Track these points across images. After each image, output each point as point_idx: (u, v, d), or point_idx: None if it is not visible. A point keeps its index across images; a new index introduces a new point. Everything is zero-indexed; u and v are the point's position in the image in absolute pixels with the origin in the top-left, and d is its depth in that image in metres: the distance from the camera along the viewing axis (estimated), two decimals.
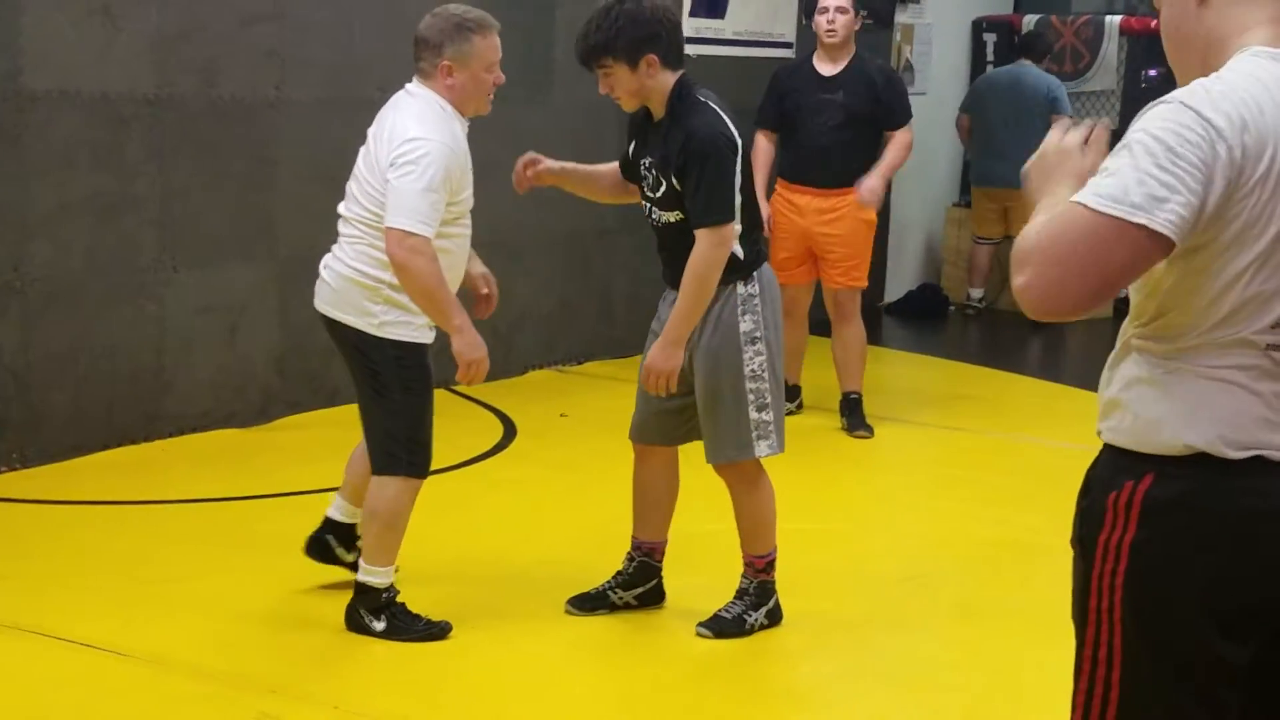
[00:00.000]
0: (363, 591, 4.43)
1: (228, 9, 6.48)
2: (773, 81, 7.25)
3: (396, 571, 4.50)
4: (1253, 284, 2.20)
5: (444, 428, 6.85)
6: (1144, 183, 2.12)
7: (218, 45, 6.45)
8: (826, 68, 7.08)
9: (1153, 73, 10.28)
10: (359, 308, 4.38)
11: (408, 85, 4.44)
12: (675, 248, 4.37)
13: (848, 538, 5.67)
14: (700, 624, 4.53)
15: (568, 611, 4.67)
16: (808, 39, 9.63)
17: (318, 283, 4.50)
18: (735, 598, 4.58)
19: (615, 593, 4.70)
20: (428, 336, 4.43)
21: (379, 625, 4.41)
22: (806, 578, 5.00)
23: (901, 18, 10.46)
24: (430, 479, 6.07)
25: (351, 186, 4.46)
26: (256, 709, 3.97)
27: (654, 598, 4.74)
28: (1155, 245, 2.14)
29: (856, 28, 7.17)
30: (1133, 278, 2.21)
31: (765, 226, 7.15)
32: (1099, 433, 2.36)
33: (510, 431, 6.86)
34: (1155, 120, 2.17)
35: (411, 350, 4.39)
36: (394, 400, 4.40)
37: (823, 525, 5.76)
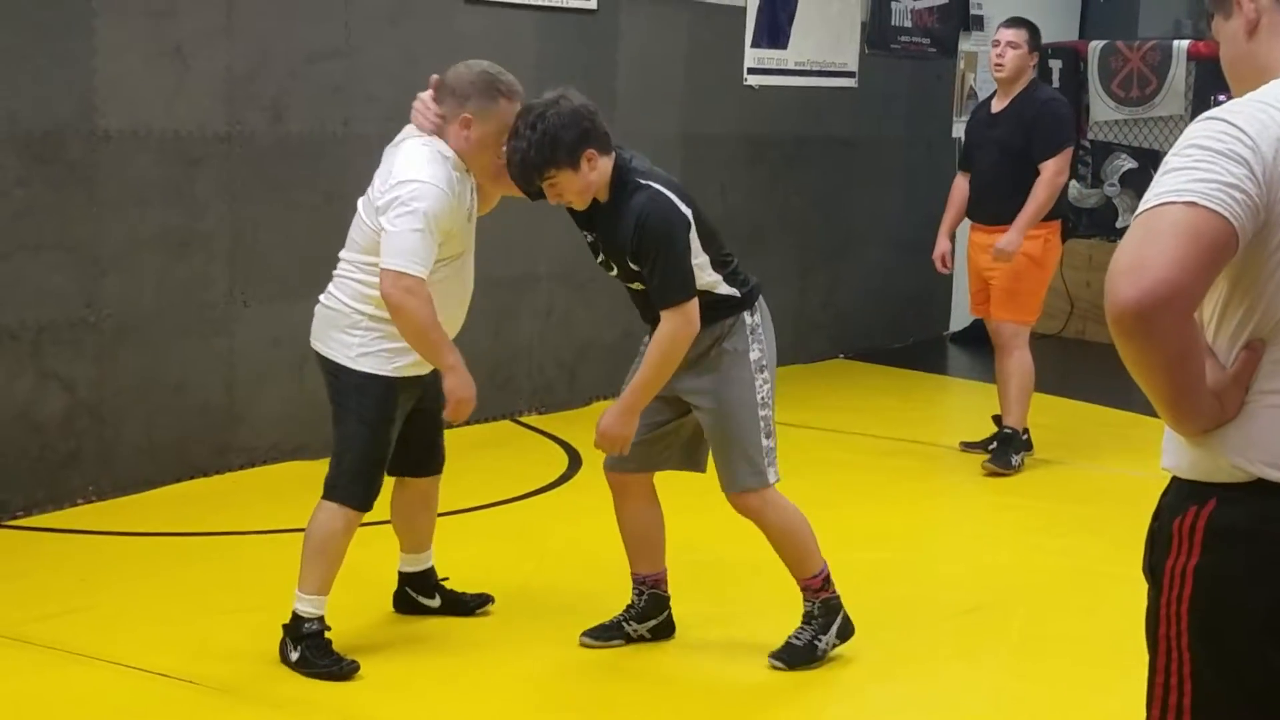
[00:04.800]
0: (292, 618, 4.43)
1: (295, 47, 6.58)
2: (966, 124, 7.35)
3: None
4: None
5: (510, 459, 6.96)
6: (1188, 181, 2.16)
7: (285, 82, 6.54)
8: (997, 104, 7.10)
9: (1221, 98, 10.10)
10: (339, 340, 4.43)
11: (407, 129, 4.47)
12: (644, 306, 4.40)
13: (913, 567, 5.65)
14: (772, 655, 4.50)
15: (583, 644, 4.68)
16: (870, 69, 9.67)
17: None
18: (802, 623, 4.56)
19: (630, 625, 4.73)
20: (401, 373, 4.43)
21: (294, 655, 4.40)
22: (871, 607, 4.99)
23: (965, 45, 10.46)
24: (497, 509, 6.18)
25: (351, 229, 4.51)
26: None
27: (666, 630, 4.76)
28: (1216, 223, 2.14)
29: (1032, 62, 7.04)
30: (1209, 261, 2.16)
31: (942, 262, 7.20)
32: (1163, 466, 2.37)
33: (575, 462, 6.89)
34: (1182, 140, 2.24)
35: (376, 382, 4.40)
36: (348, 427, 4.44)
37: (888, 554, 5.75)
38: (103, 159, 5.96)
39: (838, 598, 4.59)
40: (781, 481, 4.50)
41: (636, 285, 4.36)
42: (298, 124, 6.60)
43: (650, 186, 4.26)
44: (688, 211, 4.27)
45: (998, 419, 7.14)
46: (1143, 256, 2.12)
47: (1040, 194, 6.85)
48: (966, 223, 7.25)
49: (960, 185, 7.27)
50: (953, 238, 7.30)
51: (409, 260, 4.22)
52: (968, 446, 7.23)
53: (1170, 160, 2.21)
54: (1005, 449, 6.98)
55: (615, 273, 4.40)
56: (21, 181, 5.73)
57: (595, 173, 4.27)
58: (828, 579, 4.56)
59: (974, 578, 5.57)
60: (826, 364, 9.32)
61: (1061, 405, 8.47)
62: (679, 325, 4.24)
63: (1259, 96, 2.25)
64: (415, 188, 4.25)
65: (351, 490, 4.43)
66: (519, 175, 4.28)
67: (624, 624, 4.73)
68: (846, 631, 4.59)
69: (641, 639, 4.72)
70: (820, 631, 4.54)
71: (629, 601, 4.75)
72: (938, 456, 7.21)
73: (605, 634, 4.72)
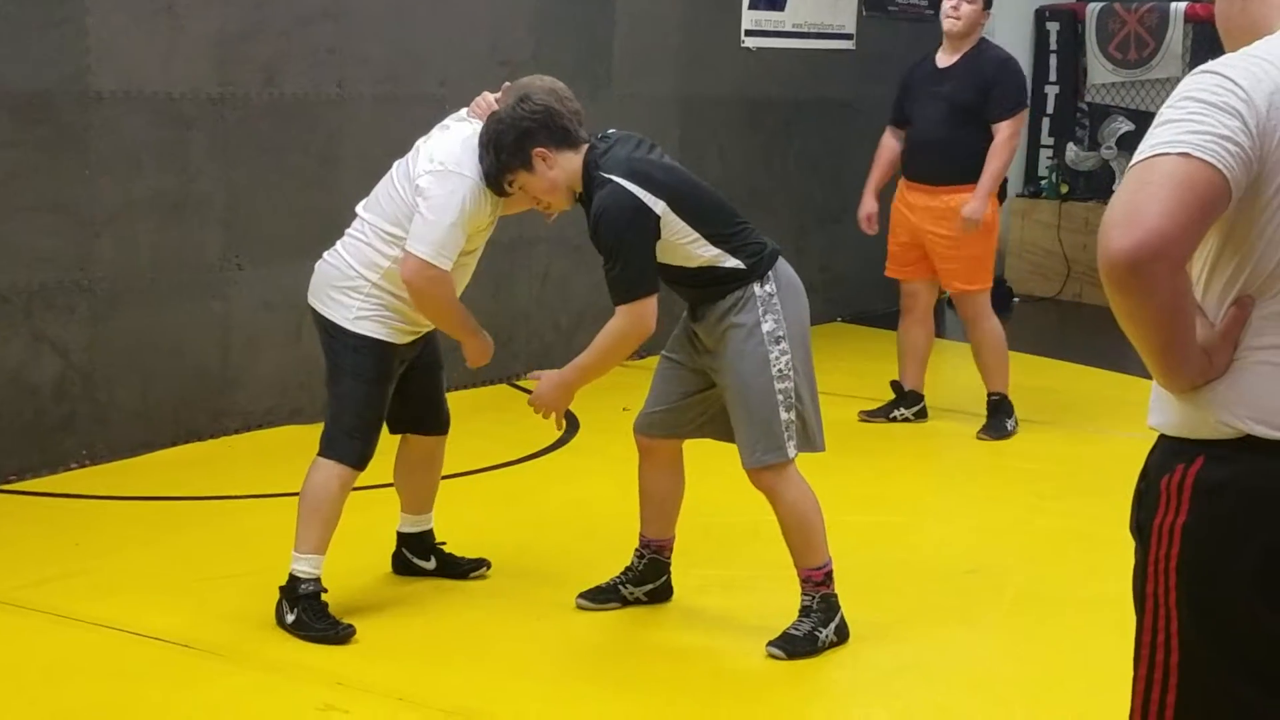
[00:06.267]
0: (289, 579, 4.44)
1: (288, 7, 6.54)
2: (901, 78, 7.15)
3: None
4: None
5: (507, 422, 6.94)
6: (1181, 133, 2.14)
7: (279, 44, 6.50)
8: (944, 59, 6.93)
9: None
10: (337, 300, 4.44)
11: (467, 111, 4.48)
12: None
13: (911, 530, 5.65)
14: (770, 643, 4.39)
15: (579, 606, 4.67)
16: (868, 31, 9.62)
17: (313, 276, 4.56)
18: (801, 616, 4.45)
19: (626, 588, 4.71)
20: (397, 338, 4.46)
21: (290, 617, 4.40)
22: (870, 570, 4.99)
23: None
24: (494, 473, 6.17)
25: (378, 189, 4.50)
26: (321, 700, 4.00)
27: (663, 594, 4.74)
28: (1209, 174, 2.12)
29: (984, 20, 6.95)
30: (1202, 212, 2.15)
31: (868, 223, 7.10)
32: (1150, 424, 2.36)
33: (573, 426, 6.87)
34: (1176, 93, 2.22)
35: (374, 344, 4.42)
36: (342, 385, 4.46)
37: (886, 518, 5.74)
38: (94, 121, 5.92)
39: (837, 597, 4.47)
40: None
41: None
42: (291, 86, 6.56)
43: (610, 181, 4.20)
44: (656, 203, 4.21)
45: (896, 385, 7.13)
46: (1135, 208, 2.11)
47: (1001, 157, 6.74)
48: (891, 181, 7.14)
49: (890, 143, 7.12)
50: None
51: (438, 252, 4.26)
52: (867, 416, 7.14)
53: (1164, 113, 2.20)
54: (998, 418, 6.95)
55: None
56: (12, 143, 5.71)
57: (556, 170, 4.25)
58: (829, 575, 4.44)
59: (971, 540, 5.57)
60: (824, 327, 9.29)
61: (1058, 368, 8.47)
62: (629, 323, 4.25)
63: (1253, 51, 2.24)
64: (460, 180, 4.28)
65: (348, 447, 4.44)
66: (488, 181, 4.33)
67: (620, 587, 4.72)
68: (844, 632, 4.47)
69: (638, 602, 4.71)
70: (820, 624, 4.42)
71: (627, 564, 4.74)
72: (934, 419, 7.19)
73: (601, 596, 4.71)
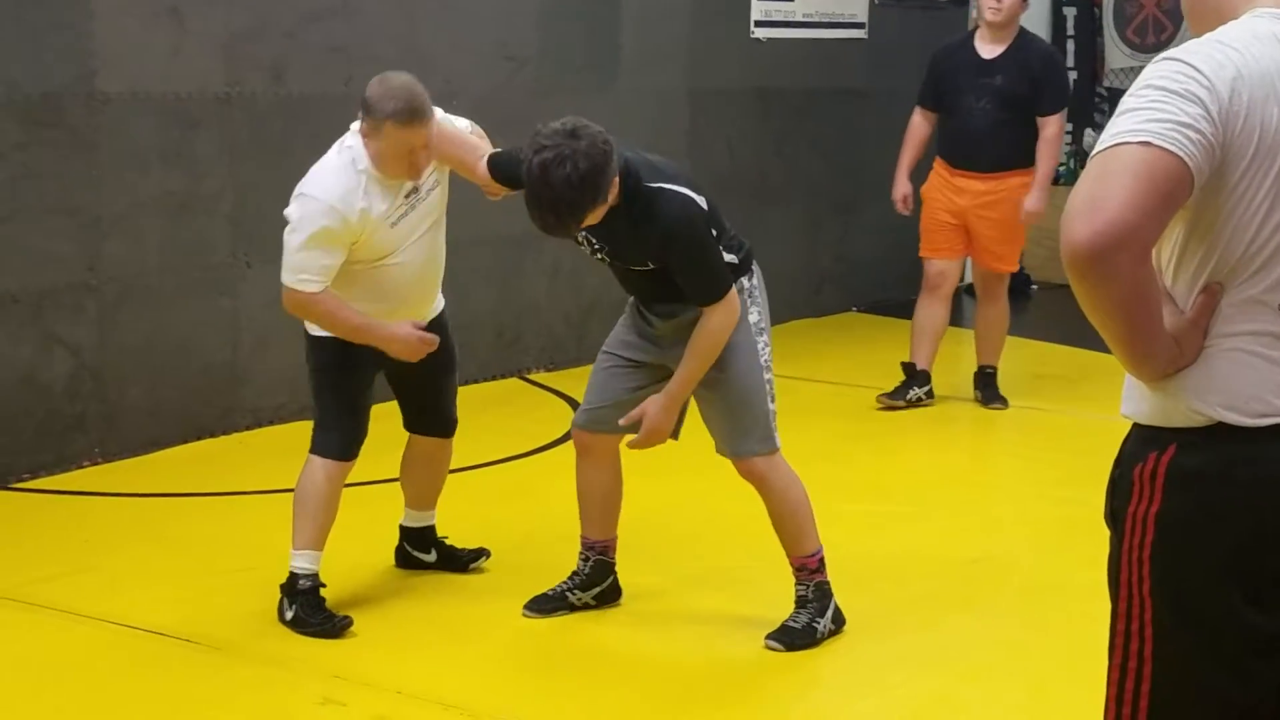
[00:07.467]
0: (288, 575, 4.45)
1: (294, 6, 6.56)
2: (931, 63, 7.22)
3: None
4: (1260, 234, 2.20)
5: (516, 416, 6.96)
6: (1143, 121, 2.14)
7: (285, 43, 6.53)
8: (988, 49, 6.99)
9: None
10: None
11: (354, 125, 4.42)
12: (643, 286, 4.35)
13: (918, 518, 5.64)
14: (769, 636, 4.38)
15: (525, 615, 4.58)
16: (879, 20, 9.59)
17: None
18: (797, 607, 4.43)
19: (574, 594, 4.62)
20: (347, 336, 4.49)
21: (289, 614, 4.42)
22: (874, 559, 4.99)
23: None
24: (501, 466, 6.19)
25: None
26: (320, 693, 4.03)
27: (611, 596, 4.66)
28: (1171, 163, 2.11)
29: (1023, 10, 7.04)
30: (1163, 201, 2.13)
31: (904, 204, 7.21)
32: (1123, 413, 2.36)
33: None
34: (1139, 81, 2.21)
35: (325, 338, 4.50)
36: (312, 382, 4.60)
37: (891, 507, 5.74)
38: (102, 122, 5.96)
39: (829, 583, 4.45)
40: (781, 435, 4.42)
41: (639, 267, 4.27)
42: (298, 84, 6.58)
43: (664, 190, 4.11)
44: (703, 201, 4.17)
45: (908, 366, 7.16)
46: (1096, 197, 2.11)
47: (1055, 151, 6.98)
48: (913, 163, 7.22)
49: (921, 125, 7.20)
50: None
51: (295, 275, 4.33)
52: (889, 403, 7.12)
53: (1127, 101, 2.19)
54: (995, 388, 7.18)
55: (614, 263, 4.30)
56: (21, 146, 5.75)
57: (614, 192, 4.07)
58: (822, 561, 4.43)
59: (977, 528, 5.56)
60: (838, 317, 9.30)
61: (1071, 355, 8.43)
62: (726, 316, 4.17)
63: (1216, 37, 2.23)
64: (304, 203, 4.33)
65: (320, 440, 4.52)
66: (558, 229, 4.06)
67: (568, 593, 4.61)
68: (840, 619, 4.46)
69: (587, 607, 4.62)
70: (817, 614, 4.41)
71: (574, 569, 4.64)
72: (942, 408, 7.18)
73: (548, 605, 4.60)
